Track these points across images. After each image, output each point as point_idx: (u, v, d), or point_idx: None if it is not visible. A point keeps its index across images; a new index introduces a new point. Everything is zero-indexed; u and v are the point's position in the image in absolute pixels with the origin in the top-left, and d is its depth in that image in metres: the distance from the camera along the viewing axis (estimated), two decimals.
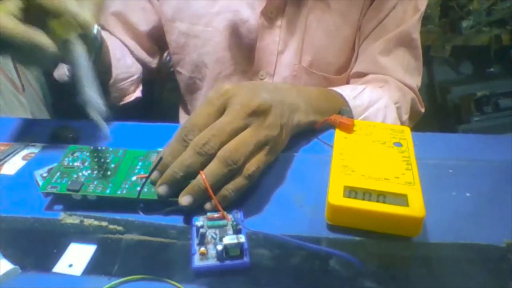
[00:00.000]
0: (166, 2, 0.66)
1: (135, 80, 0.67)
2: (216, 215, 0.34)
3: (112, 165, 0.40)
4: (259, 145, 0.38)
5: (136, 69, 0.68)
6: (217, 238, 0.33)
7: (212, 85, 0.68)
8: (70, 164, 0.40)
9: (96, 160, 0.41)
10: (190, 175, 0.36)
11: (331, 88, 0.55)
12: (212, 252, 0.32)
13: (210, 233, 0.33)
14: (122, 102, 0.66)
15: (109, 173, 0.39)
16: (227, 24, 0.63)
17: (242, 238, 0.32)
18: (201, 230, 0.33)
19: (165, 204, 0.36)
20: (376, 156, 0.39)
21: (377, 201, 0.34)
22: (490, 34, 1.51)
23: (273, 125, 0.39)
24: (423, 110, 0.68)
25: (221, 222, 0.34)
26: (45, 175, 0.41)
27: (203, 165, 0.36)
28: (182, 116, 0.77)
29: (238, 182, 0.36)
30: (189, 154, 0.36)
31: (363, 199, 0.34)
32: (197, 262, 0.32)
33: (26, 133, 0.49)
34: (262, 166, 0.38)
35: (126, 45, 0.68)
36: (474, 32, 1.49)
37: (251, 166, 0.37)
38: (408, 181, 0.36)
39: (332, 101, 0.52)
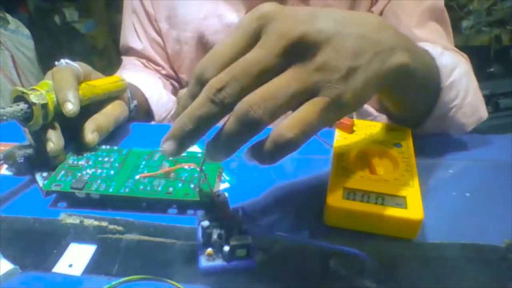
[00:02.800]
0: (159, 13, 0.67)
1: (174, 114, 0.69)
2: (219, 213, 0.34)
3: (116, 164, 0.40)
4: (303, 95, 0.26)
5: (172, 104, 0.69)
6: (223, 238, 0.32)
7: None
8: (75, 162, 0.41)
9: (100, 159, 0.41)
10: (202, 129, 0.27)
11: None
12: (219, 252, 0.32)
13: (216, 233, 0.33)
14: None
15: (112, 172, 0.39)
16: (214, 29, 0.63)
17: (248, 239, 0.31)
18: (208, 231, 0.32)
19: (167, 203, 0.36)
20: (376, 157, 0.39)
21: (376, 203, 0.34)
22: (490, 34, 1.51)
23: (330, 65, 0.26)
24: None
25: (227, 222, 0.33)
26: (45, 174, 0.41)
27: (218, 117, 0.27)
28: None
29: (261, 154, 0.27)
30: (201, 101, 0.27)
31: (362, 201, 0.34)
32: (203, 262, 0.31)
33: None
34: (310, 128, 0.26)
35: (159, 64, 0.70)
36: (474, 32, 1.49)
37: (287, 131, 0.25)
38: (407, 183, 0.36)
39: (420, 50, 0.39)
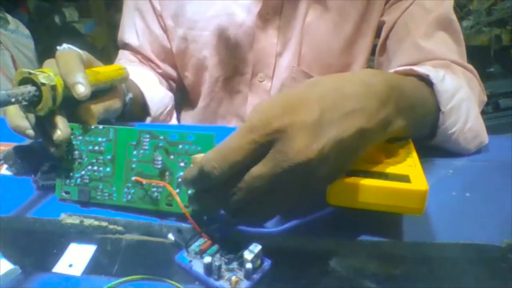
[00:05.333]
0: (166, 10, 0.67)
1: (170, 110, 0.69)
2: (203, 245, 0.33)
3: (109, 157, 0.39)
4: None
5: (169, 99, 0.68)
6: (229, 261, 0.31)
7: (212, 89, 0.69)
8: (70, 158, 0.39)
9: (90, 147, 0.39)
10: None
11: (404, 70, 0.46)
12: (239, 275, 0.30)
13: (221, 260, 0.31)
14: None
15: (108, 169, 0.38)
16: (223, 28, 0.63)
17: (258, 246, 0.30)
18: (215, 263, 0.30)
19: (167, 214, 0.36)
20: (376, 147, 0.39)
21: (379, 179, 0.33)
22: (490, 34, 1.51)
23: (320, 180, 0.32)
24: (486, 98, 0.58)
25: (216, 247, 0.32)
26: (45, 168, 0.41)
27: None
28: (183, 117, 0.77)
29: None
30: (213, 202, 0.33)
31: (365, 177, 0.34)
32: None
33: None
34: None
35: (154, 63, 0.70)
36: (474, 32, 1.49)
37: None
38: (409, 165, 0.35)
39: (418, 96, 0.42)
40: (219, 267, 0.30)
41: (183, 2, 0.65)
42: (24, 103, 0.36)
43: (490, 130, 0.48)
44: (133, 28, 0.70)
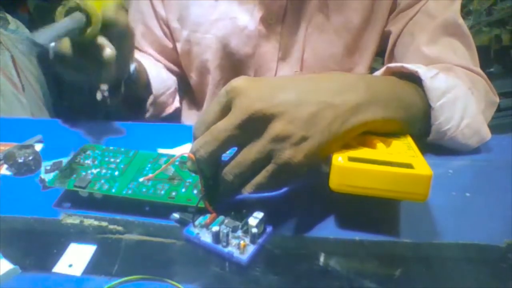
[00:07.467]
0: (171, 13, 0.67)
1: (172, 92, 0.70)
2: (208, 218, 0.35)
3: (122, 165, 0.40)
4: (262, 162, 0.34)
5: (172, 82, 0.69)
6: (234, 230, 0.33)
7: (214, 91, 0.69)
8: (81, 161, 0.41)
9: (106, 159, 0.41)
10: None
11: (395, 67, 0.46)
12: (244, 240, 0.33)
13: (227, 228, 0.33)
14: (164, 114, 0.69)
15: (116, 173, 0.39)
16: (226, 31, 0.63)
17: (261, 213, 0.33)
18: (223, 231, 0.32)
19: (170, 208, 0.36)
20: (377, 141, 0.39)
21: (383, 165, 0.33)
22: (490, 34, 1.51)
23: (282, 136, 0.33)
24: (497, 99, 0.59)
25: (221, 219, 0.35)
26: (48, 167, 0.41)
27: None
28: (185, 116, 0.77)
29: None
30: (191, 153, 0.35)
31: (368, 163, 0.33)
32: (242, 256, 0.32)
33: (26, 133, 0.49)
34: (261, 189, 0.34)
35: (158, 60, 0.71)
36: (474, 32, 1.49)
37: (243, 190, 0.35)
38: (411, 155, 0.35)
39: (401, 93, 0.42)
40: (227, 234, 0.33)
41: (187, 5, 0.65)
42: (75, 28, 0.38)
43: (490, 130, 0.48)
44: (136, 31, 0.70)
